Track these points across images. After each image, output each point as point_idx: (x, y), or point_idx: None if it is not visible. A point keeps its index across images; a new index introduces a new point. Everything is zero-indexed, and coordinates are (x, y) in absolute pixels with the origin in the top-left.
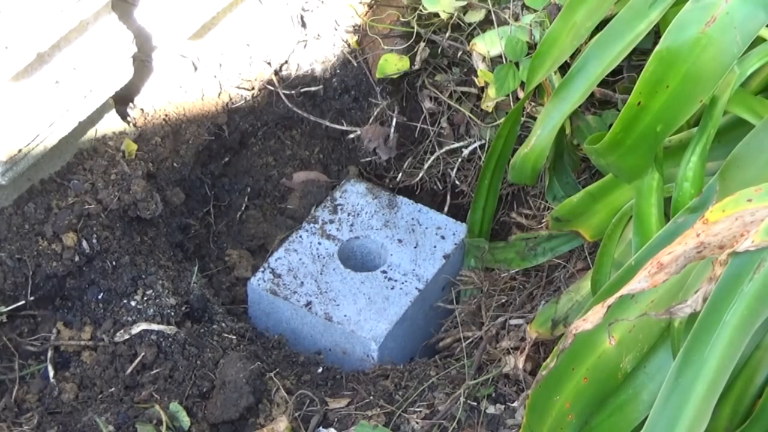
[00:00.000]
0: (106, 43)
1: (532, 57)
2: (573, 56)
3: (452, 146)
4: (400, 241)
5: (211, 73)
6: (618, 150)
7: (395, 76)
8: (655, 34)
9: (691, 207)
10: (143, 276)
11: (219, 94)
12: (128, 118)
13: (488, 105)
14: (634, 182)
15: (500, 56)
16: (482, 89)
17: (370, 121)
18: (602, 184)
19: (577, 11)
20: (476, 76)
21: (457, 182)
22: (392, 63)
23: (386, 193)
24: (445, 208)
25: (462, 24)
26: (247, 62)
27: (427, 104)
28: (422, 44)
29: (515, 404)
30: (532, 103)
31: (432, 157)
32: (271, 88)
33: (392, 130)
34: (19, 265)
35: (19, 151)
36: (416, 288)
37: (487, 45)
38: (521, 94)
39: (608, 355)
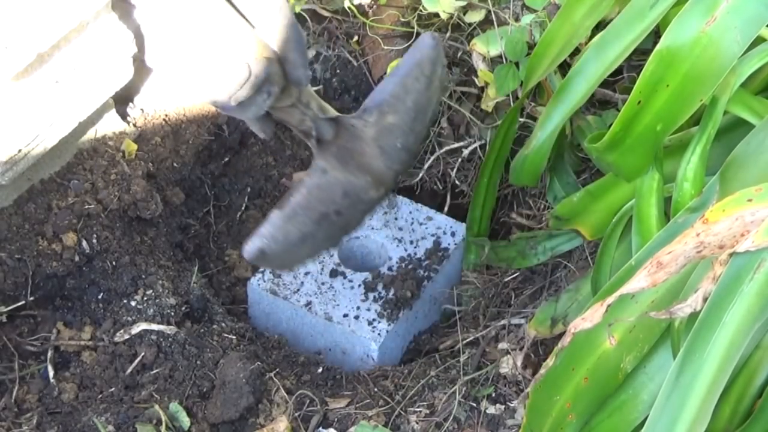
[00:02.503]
0: (106, 43)
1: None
2: (573, 56)
3: (452, 146)
4: (400, 240)
5: None
6: (618, 149)
7: None
8: (655, 34)
9: (691, 207)
10: (143, 276)
11: None
12: (128, 118)
13: (488, 105)
14: (634, 182)
15: (500, 56)
16: (482, 89)
17: None
18: (602, 183)
19: (576, 10)
20: (476, 76)
21: (457, 182)
22: None
23: None
24: (445, 208)
25: (462, 24)
26: None
27: None
28: None
29: (515, 404)
30: (532, 104)
31: (432, 157)
32: None
33: None
34: (19, 265)
35: (19, 151)
36: None
37: (487, 45)
38: (522, 94)
39: (608, 355)
